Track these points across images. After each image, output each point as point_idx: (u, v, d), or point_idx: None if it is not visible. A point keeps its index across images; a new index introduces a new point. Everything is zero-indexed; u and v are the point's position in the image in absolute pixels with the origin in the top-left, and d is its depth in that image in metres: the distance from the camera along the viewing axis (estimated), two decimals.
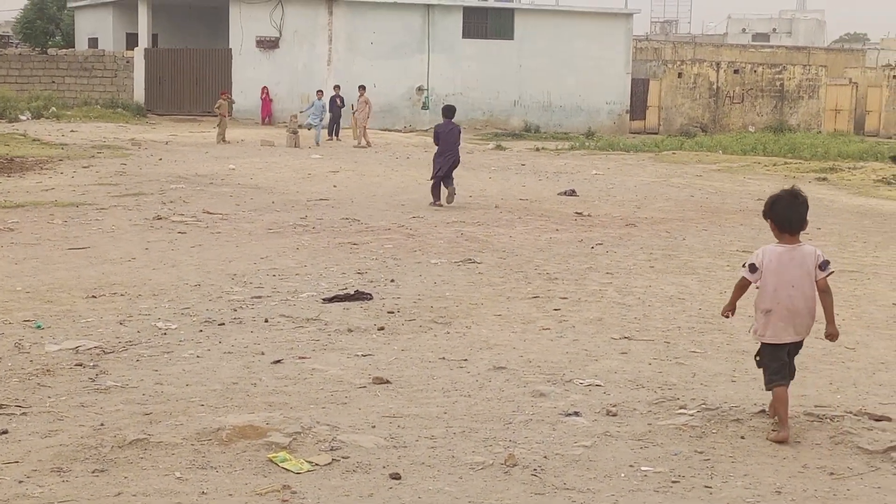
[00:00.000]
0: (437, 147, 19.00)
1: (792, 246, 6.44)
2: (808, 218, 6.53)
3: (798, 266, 6.40)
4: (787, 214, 6.44)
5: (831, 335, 6.56)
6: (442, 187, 18.52)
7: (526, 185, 21.83)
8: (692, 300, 10.60)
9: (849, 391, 7.42)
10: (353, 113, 34.61)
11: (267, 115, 43.64)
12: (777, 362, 6.49)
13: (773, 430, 6.41)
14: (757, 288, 6.51)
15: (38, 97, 42.49)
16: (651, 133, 48.22)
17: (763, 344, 6.54)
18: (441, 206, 18.21)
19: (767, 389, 6.56)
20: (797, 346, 6.60)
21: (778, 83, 53.12)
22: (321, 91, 36.15)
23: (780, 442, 6.28)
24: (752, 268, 6.47)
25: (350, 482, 5.53)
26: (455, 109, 19.84)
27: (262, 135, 35.24)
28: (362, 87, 35.02)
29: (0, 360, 7.82)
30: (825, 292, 6.46)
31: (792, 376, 6.60)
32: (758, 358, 6.64)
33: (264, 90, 43.75)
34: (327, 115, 34.69)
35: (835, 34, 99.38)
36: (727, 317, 6.88)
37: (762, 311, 6.47)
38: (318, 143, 33.33)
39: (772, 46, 68.03)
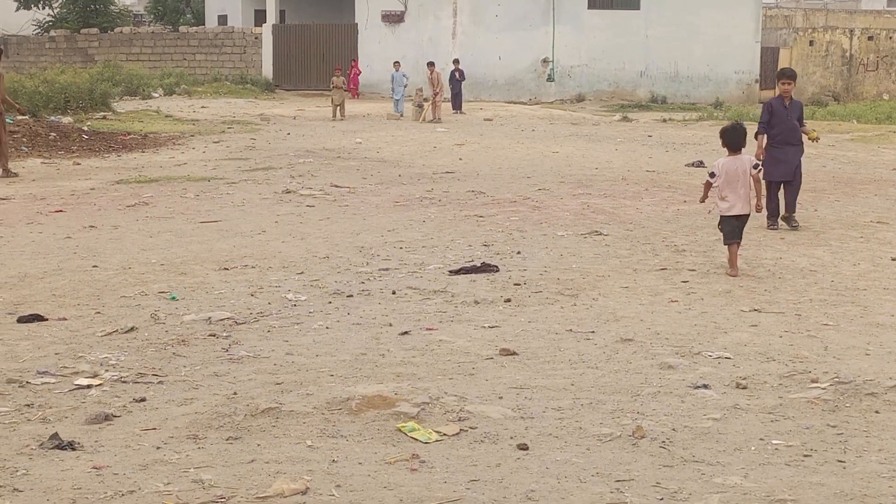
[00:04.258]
0: (765, 132, 12.89)
1: (736, 157, 10.26)
2: (745, 141, 10.28)
3: (739, 168, 10.21)
4: (732, 139, 10.26)
5: (759, 206, 10.70)
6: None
7: (653, 156, 21.58)
8: (824, 272, 10.40)
9: None
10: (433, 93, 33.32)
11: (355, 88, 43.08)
12: (730, 227, 10.23)
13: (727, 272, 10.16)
14: (716, 186, 10.29)
15: (169, 74, 43.44)
16: None
17: (722, 216, 10.27)
18: (777, 228, 12.83)
19: (724, 244, 10.35)
20: (745, 217, 10.30)
21: None
22: (398, 63, 35.89)
23: (732, 276, 10.00)
24: (712, 174, 10.28)
25: (478, 452, 5.57)
26: (795, 73, 13.10)
27: (388, 108, 35.44)
28: (431, 64, 34.56)
29: (138, 330, 8.07)
30: (757, 181, 10.51)
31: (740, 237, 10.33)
32: (720, 226, 10.39)
33: (353, 63, 43.48)
34: (402, 88, 34.39)
35: None
36: (703, 201, 10.77)
37: (720, 198, 10.24)
38: (400, 115, 33.44)
39: None
